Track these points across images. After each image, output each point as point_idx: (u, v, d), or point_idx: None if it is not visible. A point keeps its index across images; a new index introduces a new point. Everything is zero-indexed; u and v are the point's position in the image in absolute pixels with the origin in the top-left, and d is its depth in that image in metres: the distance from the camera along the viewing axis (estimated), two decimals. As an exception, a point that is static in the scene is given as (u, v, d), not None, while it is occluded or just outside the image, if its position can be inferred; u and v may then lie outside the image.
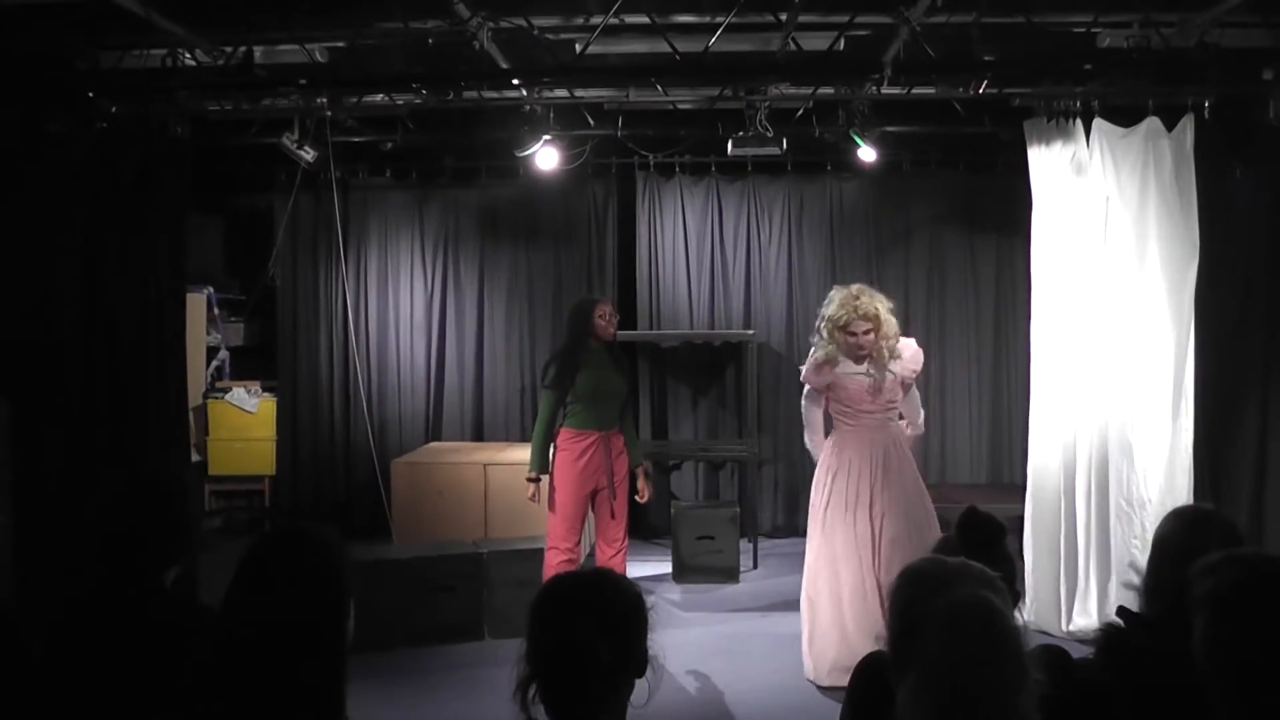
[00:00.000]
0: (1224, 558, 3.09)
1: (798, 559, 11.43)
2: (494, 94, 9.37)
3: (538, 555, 9.06)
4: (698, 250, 12.73)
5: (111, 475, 4.21)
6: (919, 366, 8.15)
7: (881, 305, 8.01)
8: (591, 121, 10.76)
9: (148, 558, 3.77)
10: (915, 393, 8.31)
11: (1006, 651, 2.74)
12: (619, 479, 8.76)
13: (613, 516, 8.72)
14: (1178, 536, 3.75)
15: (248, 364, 13.43)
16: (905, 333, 8.34)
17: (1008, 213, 11.29)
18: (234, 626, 3.15)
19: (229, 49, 8.49)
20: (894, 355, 8.00)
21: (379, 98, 9.47)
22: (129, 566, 3.74)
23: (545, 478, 8.77)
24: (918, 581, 3.17)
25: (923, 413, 8.40)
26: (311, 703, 3.11)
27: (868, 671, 3.80)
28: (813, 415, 8.52)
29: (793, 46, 8.47)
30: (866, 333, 7.94)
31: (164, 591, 3.80)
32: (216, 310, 12.97)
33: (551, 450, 8.77)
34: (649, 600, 3.04)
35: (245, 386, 12.81)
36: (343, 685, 3.18)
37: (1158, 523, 4.00)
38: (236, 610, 3.16)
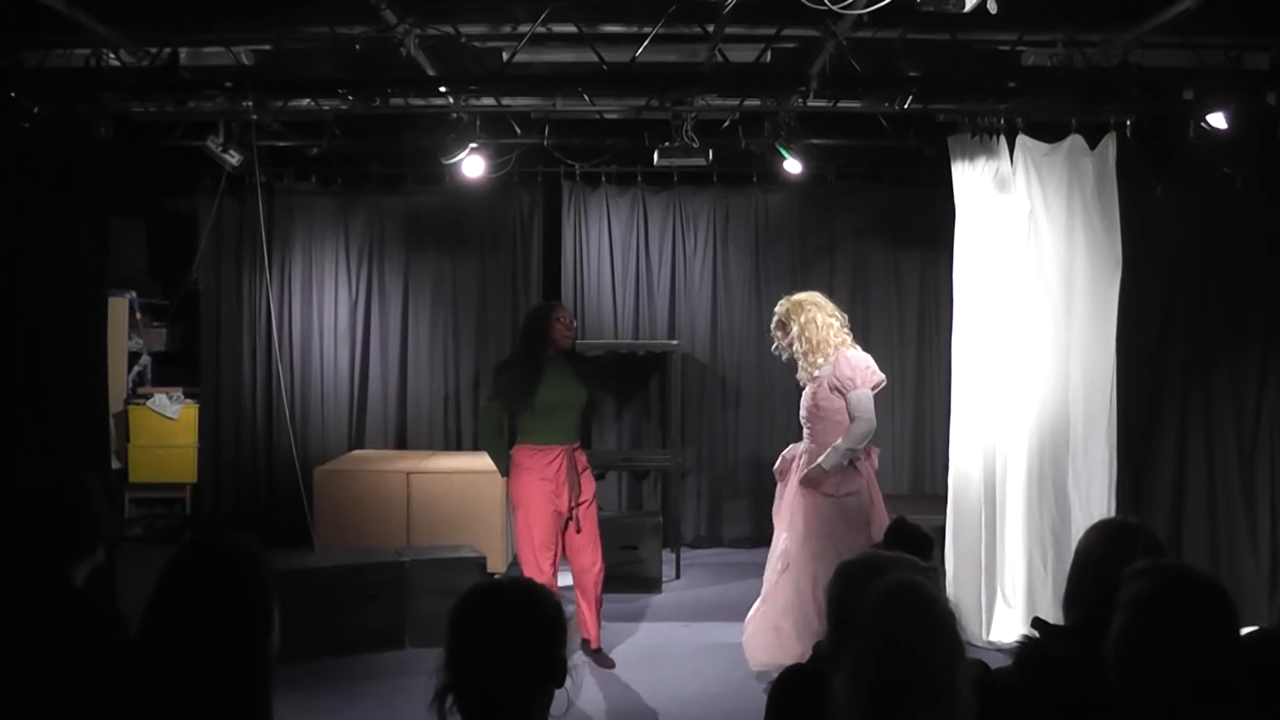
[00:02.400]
0: (1151, 565, 3.12)
1: (720, 569, 11.57)
2: (420, 101, 9.33)
3: (460, 564, 9.05)
4: (623, 260, 12.73)
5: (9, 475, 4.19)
6: (844, 376, 7.85)
7: (794, 311, 8.08)
8: (518, 130, 10.73)
9: (47, 553, 3.73)
10: (857, 406, 7.84)
11: (939, 629, 2.76)
12: (588, 496, 8.51)
13: (579, 531, 8.45)
14: (1100, 548, 3.78)
15: (170, 370, 13.28)
16: None
17: (931, 226, 11.36)
18: (156, 641, 3.12)
19: (154, 50, 8.42)
20: (822, 364, 7.97)
21: (305, 102, 9.40)
22: (27, 562, 3.70)
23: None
24: (853, 573, 3.20)
25: (859, 429, 7.80)
26: (239, 715, 3.10)
27: (788, 685, 3.81)
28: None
29: (719, 58, 8.51)
30: (777, 334, 8.21)
31: (70, 588, 3.75)
32: (139, 315, 12.82)
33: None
34: (569, 610, 3.04)
35: (167, 393, 12.66)
36: (269, 696, 3.17)
37: (1080, 533, 4.03)
38: (159, 624, 3.14)
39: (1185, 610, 2.94)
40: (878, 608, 2.84)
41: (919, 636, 2.76)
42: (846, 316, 8.24)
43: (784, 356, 8.29)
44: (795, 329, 8.03)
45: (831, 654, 3.04)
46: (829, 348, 7.97)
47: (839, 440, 7.83)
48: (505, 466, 8.53)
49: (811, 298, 8.18)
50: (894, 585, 2.88)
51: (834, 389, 7.91)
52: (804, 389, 8.17)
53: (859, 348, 8.13)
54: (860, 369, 7.90)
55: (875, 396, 7.94)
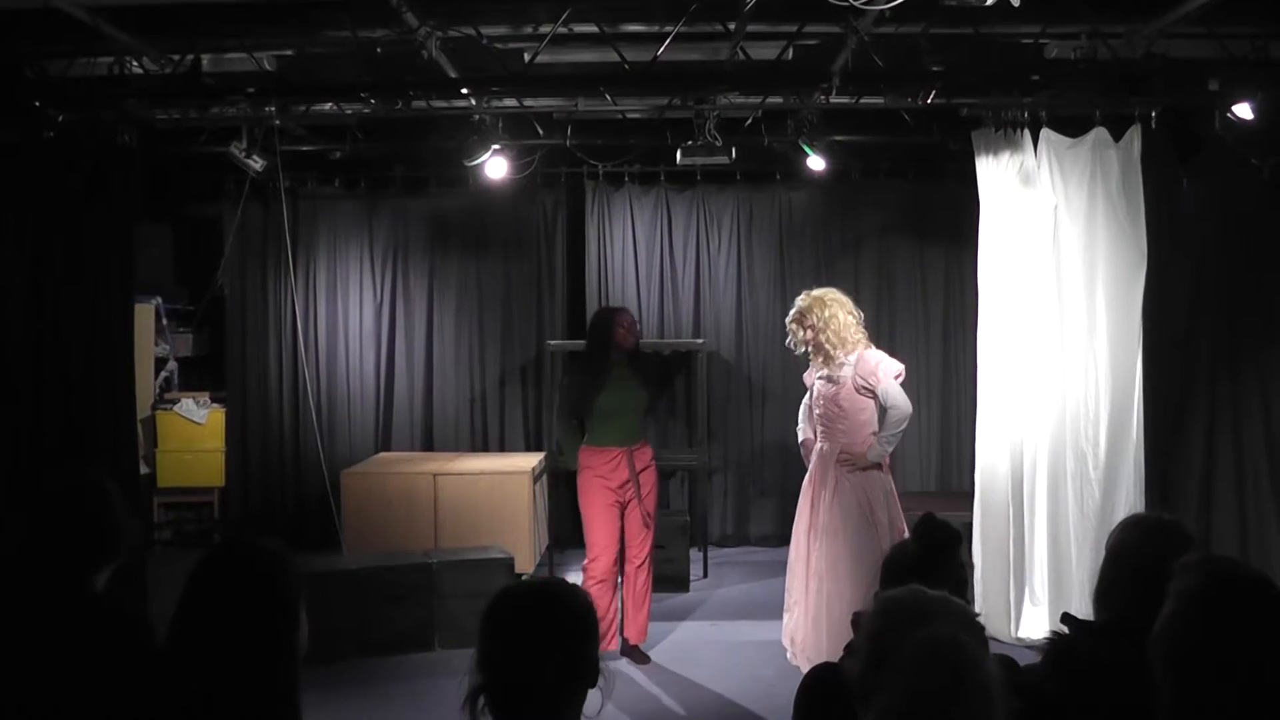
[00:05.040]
0: (1200, 558, 3.10)
1: (748, 567, 11.55)
2: (443, 103, 9.35)
3: (487, 565, 9.08)
4: (647, 259, 12.72)
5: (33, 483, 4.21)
6: (867, 373, 8.00)
7: (816, 306, 8.14)
8: (540, 131, 10.73)
9: (68, 560, 3.74)
10: (887, 396, 8.00)
11: (976, 696, 2.70)
12: (646, 492, 8.66)
13: (646, 527, 8.67)
14: (1134, 544, 3.76)
15: (196, 375, 13.32)
16: None
17: (956, 222, 11.33)
18: (185, 643, 3.13)
19: (176, 57, 8.45)
20: (840, 362, 8.06)
21: (327, 106, 9.43)
22: (48, 570, 3.71)
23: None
24: (894, 611, 3.13)
25: (894, 416, 7.97)
26: (267, 717, 3.10)
27: (814, 685, 3.80)
28: (803, 417, 8.63)
29: (741, 56, 8.50)
30: (794, 327, 8.25)
31: (92, 594, 3.77)
32: (165, 320, 12.86)
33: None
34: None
35: (194, 397, 12.69)
36: (297, 698, 3.18)
37: (1109, 530, 4.01)
38: (187, 627, 3.15)
39: (1234, 604, 2.91)
40: (912, 665, 2.76)
41: (953, 702, 2.69)
42: (863, 315, 8.34)
43: (799, 351, 8.38)
44: (819, 323, 8.08)
45: (862, 693, 2.99)
46: (849, 346, 8.06)
47: (877, 433, 8.03)
48: (574, 461, 8.80)
49: (833, 294, 8.26)
50: (931, 642, 2.79)
51: (860, 389, 8.02)
52: (815, 388, 8.30)
53: (873, 346, 8.25)
54: (880, 364, 8.04)
55: (901, 385, 8.05)
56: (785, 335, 8.41)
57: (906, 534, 7.62)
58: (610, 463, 8.55)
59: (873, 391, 8.01)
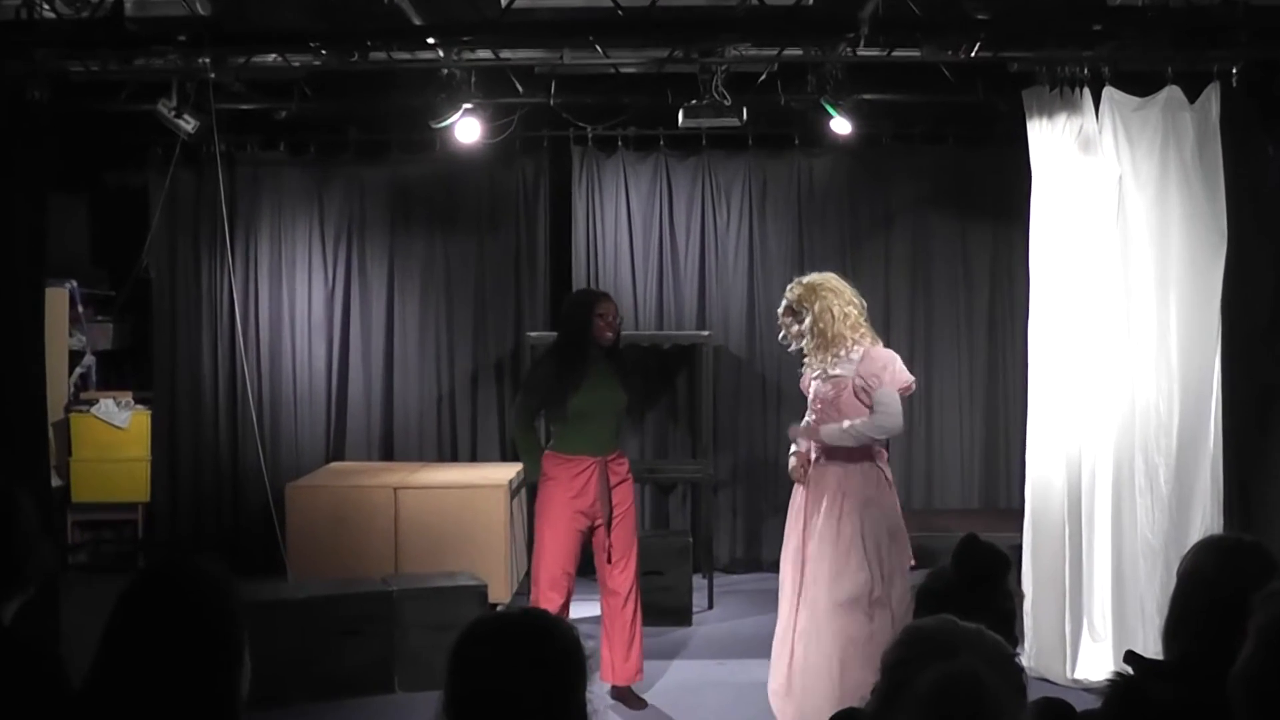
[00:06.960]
0: None
1: (759, 597, 11.55)
2: (406, 55, 9.35)
3: (456, 594, 9.08)
4: (644, 237, 12.73)
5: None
6: (871, 373, 7.80)
7: (807, 297, 8.00)
8: (520, 87, 10.74)
9: None
10: (881, 401, 7.79)
11: None
12: (621, 511, 8.57)
13: (610, 562, 8.53)
14: (1209, 570, 3.76)
15: (118, 371, 13.35)
16: (886, 339, 8.26)
17: (1004, 194, 11.35)
18: (109, 685, 3.14)
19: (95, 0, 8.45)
20: (841, 357, 7.90)
21: (271, 58, 9.42)
22: None
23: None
24: (917, 641, 3.15)
25: (882, 421, 7.78)
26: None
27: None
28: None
29: (754, 0, 8.50)
30: (787, 320, 8.13)
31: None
32: (81, 308, 12.85)
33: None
34: (587, 646, 3.04)
35: (115, 397, 12.69)
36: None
37: (1181, 554, 4.02)
38: (111, 666, 3.15)
39: None
40: (925, 701, 2.78)
41: None
42: (866, 304, 8.17)
43: (792, 347, 8.24)
44: (808, 319, 7.95)
45: None
46: (847, 341, 7.89)
47: (855, 420, 7.79)
48: (534, 470, 8.66)
49: (827, 282, 8.09)
50: (949, 678, 2.80)
51: (860, 390, 7.84)
52: (811, 386, 8.11)
53: (880, 342, 8.12)
54: (889, 367, 7.87)
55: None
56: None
57: (899, 578, 7.67)
58: (581, 475, 8.42)
59: (870, 394, 7.86)
